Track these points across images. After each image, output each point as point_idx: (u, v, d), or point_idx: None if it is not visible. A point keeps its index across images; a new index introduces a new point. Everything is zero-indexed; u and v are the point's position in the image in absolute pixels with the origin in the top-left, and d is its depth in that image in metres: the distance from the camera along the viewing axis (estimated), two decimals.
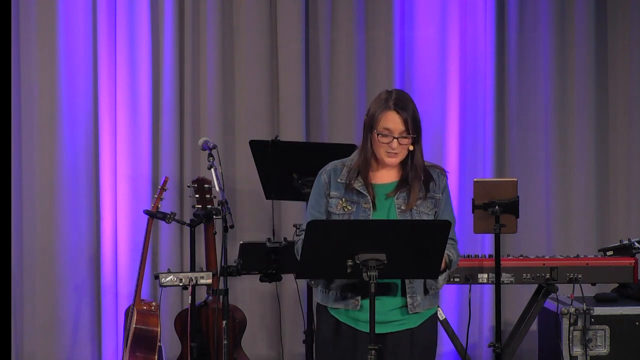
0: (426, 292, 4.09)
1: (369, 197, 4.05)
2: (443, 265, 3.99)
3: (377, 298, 3.92)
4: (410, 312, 4.05)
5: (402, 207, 4.05)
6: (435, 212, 4.10)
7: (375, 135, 4.02)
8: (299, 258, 4.03)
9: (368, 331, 3.93)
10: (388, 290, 4.03)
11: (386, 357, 4.06)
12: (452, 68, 6.81)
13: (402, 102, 4.01)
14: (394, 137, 3.99)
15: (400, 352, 4.07)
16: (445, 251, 3.98)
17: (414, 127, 4.00)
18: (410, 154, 4.05)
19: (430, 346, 4.16)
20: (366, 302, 3.98)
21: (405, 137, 4.00)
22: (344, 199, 4.07)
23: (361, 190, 4.06)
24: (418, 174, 4.07)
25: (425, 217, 4.06)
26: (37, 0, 6.53)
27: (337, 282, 4.07)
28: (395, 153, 4.02)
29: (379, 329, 3.98)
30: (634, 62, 6.92)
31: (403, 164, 4.08)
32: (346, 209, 4.06)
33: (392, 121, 4.00)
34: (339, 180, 4.09)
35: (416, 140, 4.03)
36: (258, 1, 6.68)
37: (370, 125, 4.04)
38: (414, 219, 4.04)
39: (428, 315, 4.13)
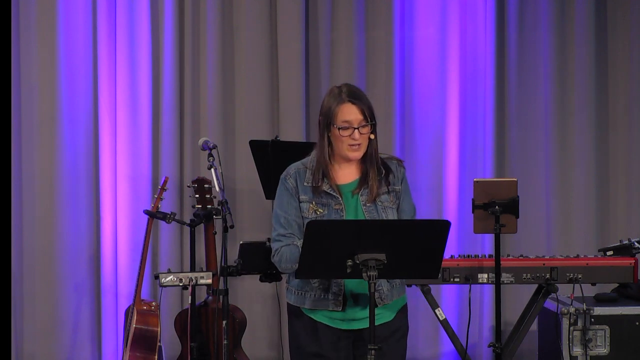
0: (391, 281, 4.11)
1: (339, 198, 4.07)
2: None
3: (350, 295, 4.01)
4: (378, 305, 4.05)
5: (368, 204, 4.08)
6: (398, 203, 4.12)
7: (336, 130, 4.03)
8: (280, 269, 4.07)
9: (347, 328, 4.02)
10: (359, 286, 4.04)
11: (362, 353, 4.08)
12: (452, 68, 6.81)
13: (355, 93, 4.06)
14: (355, 128, 4.02)
15: (380, 341, 4.07)
16: None
17: (370, 115, 4.04)
18: (369, 145, 4.07)
19: (404, 337, 4.20)
20: (348, 302, 4.03)
21: (365, 126, 4.03)
22: (314, 202, 4.08)
23: (330, 192, 4.07)
24: (375, 167, 4.08)
25: (389, 211, 4.09)
26: (37, 0, 6.53)
27: (314, 283, 4.07)
28: (359, 144, 4.04)
29: (357, 325, 4.05)
30: (634, 62, 6.92)
31: (362, 160, 4.10)
32: (318, 212, 4.07)
33: (350, 113, 4.03)
34: (305, 183, 4.10)
35: (373, 129, 4.07)
36: (258, 1, 6.69)
37: (327, 122, 4.06)
38: (380, 214, 4.06)
39: (400, 306, 4.17)
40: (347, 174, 4.12)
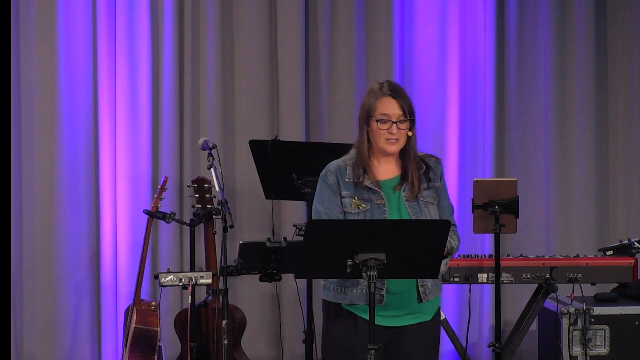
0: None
1: (381, 193, 4.08)
2: (445, 251, 4.02)
3: (393, 292, 4.02)
4: (423, 301, 4.08)
5: (410, 200, 4.09)
6: (438, 200, 4.15)
7: (374, 123, 4.04)
8: None
9: (385, 325, 4.03)
10: (403, 282, 4.05)
11: (401, 351, 4.10)
12: (452, 68, 6.81)
13: (396, 89, 4.07)
14: (393, 122, 4.03)
15: (413, 346, 4.11)
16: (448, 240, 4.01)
17: (410, 111, 4.06)
18: (408, 142, 4.09)
19: (438, 341, 4.26)
20: (389, 298, 4.03)
21: (403, 122, 4.04)
22: (356, 198, 4.08)
23: (372, 187, 4.08)
24: (416, 164, 4.11)
25: (431, 207, 4.10)
26: (37, 0, 6.53)
27: (356, 280, 4.07)
28: (396, 139, 4.05)
29: (396, 322, 4.06)
30: (634, 62, 6.92)
31: (401, 156, 4.12)
32: (361, 207, 4.07)
33: (390, 107, 4.04)
34: (346, 179, 4.10)
35: (413, 126, 4.08)
36: (258, 1, 6.69)
37: (366, 116, 4.08)
38: (422, 210, 4.08)
39: (436, 308, 4.18)
40: (387, 170, 4.12)
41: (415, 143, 4.12)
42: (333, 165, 4.15)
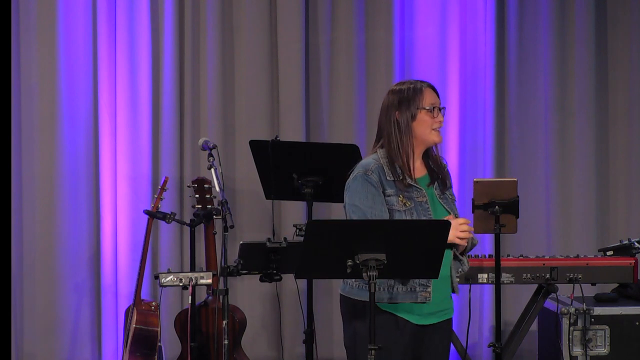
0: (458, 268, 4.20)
1: (423, 190, 4.13)
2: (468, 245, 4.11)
3: (434, 287, 4.05)
4: (454, 291, 4.16)
5: (441, 197, 4.17)
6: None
7: (423, 114, 4.13)
8: None
9: (421, 324, 4.07)
10: (442, 278, 4.05)
11: (431, 347, 4.12)
12: (452, 68, 6.81)
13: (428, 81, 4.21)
14: (440, 109, 4.16)
15: (441, 342, 4.15)
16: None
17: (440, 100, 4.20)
18: None
19: (451, 334, 4.29)
20: (434, 296, 4.06)
21: (443, 109, 4.19)
22: (401, 196, 4.09)
23: (414, 185, 4.12)
24: (439, 161, 4.22)
25: (453, 204, 4.20)
26: (37, 0, 6.53)
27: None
28: (441, 127, 4.17)
29: (430, 320, 4.10)
30: (634, 62, 6.92)
31: (424, 155, 4.20)
32: (407, 204, 4.09)
33: (433, 96, 4.19)
34: (387, 178, 4.10)
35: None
36: (258, 1, 6.68)
37: (409, 112, 4.13)
38: (451, 206, 4.17)
39: (453, 303, 4.23)
40: (419, 168, 4.18)
41: None
42: (370, 164, 4.12)
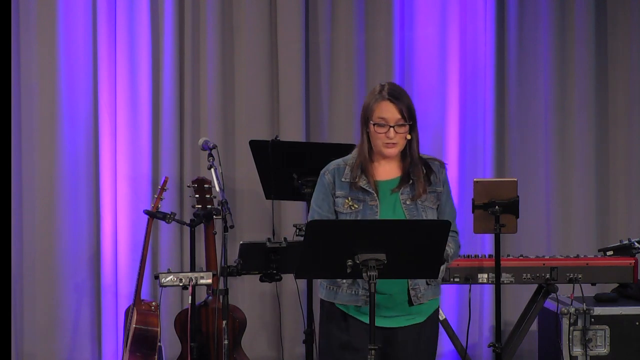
0: (428, 282, 4.12)
1: (374, 194, 4.07)
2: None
3: (383, 292, 4.00)
4: (414, 304, 4.07)
5: (408, 202, 4.07)
6: (438, 205, 4.13)
7: (372, 126, 4.04)
8: None
9: (378, 325, 3.99)
10: (393, 284, 4.04)
11: (396, 351, 4.09)
12: (452, 68, 6.81)
13: (395, 92, 4.06)
14: (390, 126, 4.02)
15: (408, 347, 4.09)
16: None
17: (409, 115, 4.04)
18: (408, 145, 4.08)
19: (434, 341, 4.20)
20: (379, 298, 4.01)
21: (401, 126, 4.03)
22: (349, 198, 4.08)
23: (366, 188, 4.07)
24: (418, 166, 4.10)
25: (430, 211, 4.08)
26: (37, 0, 6.53)
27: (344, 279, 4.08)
28: (394, 143, 4.04)
29: (389, 323, 4.05)
30: (634, 62, 6.92)
31: (403, 158, 4.11)
32: (353, 207, 4.07)
33: (387, 110, 4.03)
34: (342, 179, 4.10)
35: (412, 129, 4.07)
36: (258, 1, 6.69)
37: (365, 118, 4.08)
38: (420, 213, 4.06)
39: (432, 309, 4.16)
40: (387, 170, 4.12)
41: (416, 145, 4.10)
42: (333, 164, 4.16)
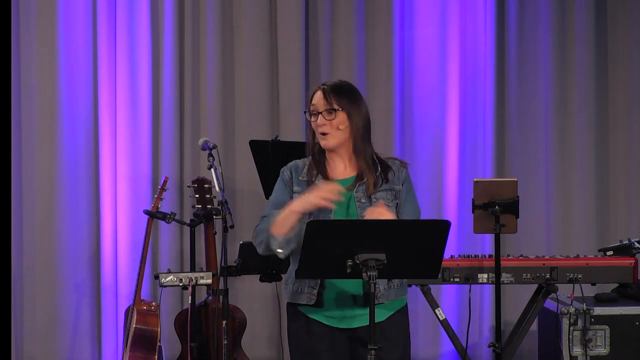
0: (390, 282, 4.09)
1: None
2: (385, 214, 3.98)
3: (339, 292, 4.01)
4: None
5: (363, 200, 4.06)
6: (397, 203, 4.11)
7: (306, 116, 4.06)
8: (254, 241, 4.09)
9: (340, 327, 4.02)
10: (348, 284, 4.03)
11: (359, 352, 4.07)
12: (452, 68, 6.81)
13: (332, 82, 4.07)
14: (319, 113, 4.03)
15: (358, 347, 4.06)
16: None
17: (338, 100, 4.02)
18: (353, 141, 4.05)
19: (401, 342, 4.14)
20: (327, 296, 4.03)
21: (330, 112, 4.01)
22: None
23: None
24: (367, 163, 4.06)
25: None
26: (37, 0, 6.53)
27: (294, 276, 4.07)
28: (325, 133, 4.03)
29: (346, 324, 4.03)
30: (634, 62, 6.92)
31: (356, 156, 4.09)
32: None
33: (316, 97, 4.06)
34: (300, 177, 4.12)
35: (350, 117, 4.03)
36: (258, 1, 6.69)
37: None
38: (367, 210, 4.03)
39: (396, 308, 4.13)
40: (342, 169, 4.12)
41: (360, 140, 4.06)
42: (292, 162, 4.18)
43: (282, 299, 6.60)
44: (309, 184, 4.09)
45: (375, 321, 3.94)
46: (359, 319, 4.05)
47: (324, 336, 4.09)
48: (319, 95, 4.05)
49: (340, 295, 4.05)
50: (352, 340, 4.10)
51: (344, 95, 4.05)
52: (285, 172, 4.16)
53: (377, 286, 4.05)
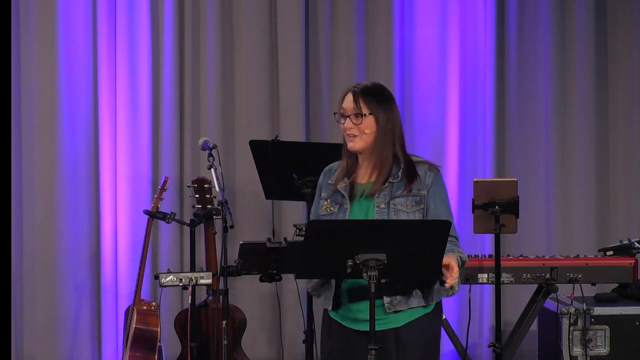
0: (407, 292, 4.03)
1: (346, 197, 4.04)
2: (456, 268, 3.91)
3: (356, 296, 3.99)
4: (388, 311, 4.01)
5: (382, 206, 4.02)
6: (422, 208, 4.05)
7: (336, 118, 4.04)
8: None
9: (359, 329, 4.00)
10: (365, 289, 3.99)
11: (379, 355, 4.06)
12: (452, 68, 6.81)
13: (364, 85, 4.03)
14: (347, 116, 4.00)
15: (386, 352, 4.04)
16: (456, 253, 3.98)
17: (367, 103, 3.99)
18: (380, 145, 4.01)
19: (421, 349, 4.12)
20: (345, 298, 4.02)
21: (358, 116, 3.99)
22: (329, 200, 4.07)
23: (341, 191, 4.05)
24: (380, 161, 4.01)
25: (402, 215, 4.01)
26: (37, 0, 6.53)
27: (329, 282, 4.06)
28: (354, 135, 4.01)
29: (363, 327, 4.00)
30: (634, 62, 6.92)
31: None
32: (329, 210, 4.06)
33: (347, 100, 4.02)
34: (329, 181, 4.11)
35: (378, 120, 3.99)
36: (258, 1, 6.69)
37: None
38: (390, 216, 4.00)
39: (418, 315, 4.09)
40: (365, 173, 4.08)
41: (386, 144, 4.01)
42: (330, 165, 4.17)
43: (282, 299, 6.61)
44: (334, 187, 4.07)
45: (393, 326, 4.00)
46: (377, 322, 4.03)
47: (341, 337, 4.06)
48: (349, 98, 4.02)
49: (358, 298, 4.03)
50: (357, 341, 4.08)
51: (373, 99, 4.00)
52: (320, 176, 4.14)
53: (394, 296, 4.02)
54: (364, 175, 4.08)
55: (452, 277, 3.89)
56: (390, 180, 4.03)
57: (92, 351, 6.62)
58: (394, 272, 3.89)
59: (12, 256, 6.43)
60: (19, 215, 6.54)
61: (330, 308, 4.06)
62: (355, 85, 4.05)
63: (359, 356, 4.04)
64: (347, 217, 4.02)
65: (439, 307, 4.17)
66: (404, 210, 4.02)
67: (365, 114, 3.99)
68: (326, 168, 4.16)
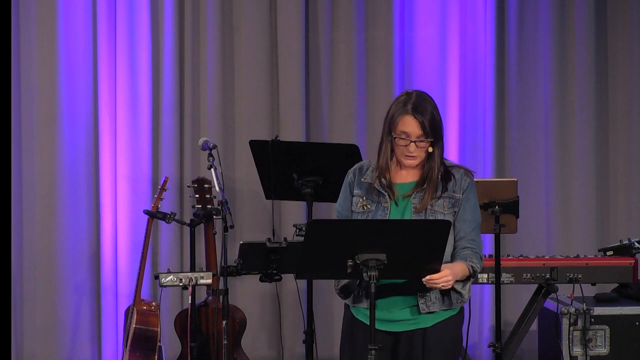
0: (444, 292, 4.07)
1: (387, 197, 4.06)
2: (438, 279, 3.95)
3: (387, 297, 3.99)
4: (422, 312, 4.05)
5: (418, 207, 4.06)
6: (455, 211, 4.08)
7: (397, 140, 4.03)
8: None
9: (385, 330, 4.02)
10: (399, 289, 4.03)
11: (400, 357, 4.08)
12: (452, 68, 6.81)
13: (420, 106, 4.02)
14: (412, 141, 4.01)
15: (413, 352, 4.07)
16: (467, 262, 4.00)
17: (431, 130, 4.01)
18: (428, 155, 4.06)
19: (447, 349, 4.14)
20: (382, 301, 4.02)
21: (422, 141, 4.02)
22: (364, 198, 4.09)
23: (381, 190, 4.07)
24: (434, 175, 4.06)
25: (439, 216, 4.05)
26: (37, 0, 6.53)
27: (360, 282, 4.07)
28: (414, 156, 4.04)
29: (391, 327, 4.03)
30: (634, 62, 6.92)
31: (423, 166, 4.10)
32: (366, 207, 4.08)
33: (409, 125, 4.01)
34: (362, 179, 4.12)
35: (435, 143, 4.04)
36: (258, 1, 6.69)
37: (389, 128, 4.06)
38: (428, 218, 4.03)
39: (445, 317, 4.12)
40: (406, 174, 4.10)
41: (438, 158, 4.06)
42: (359, 163, 4.19)
43: (282, 299, 6.61)
44: (370, 186, 4.08)
45: (421, 327, 4.04)
46: (402, 324, 4.06)
47: (365, 337, 4.05)
48: (412, 123, 4.00)
49: (386, 299, 4.04)
50: (395, 346, 4.09)
51: (435, 121, 4.03)
52: (349, 174, 4.16)
53: (428, 295, 4.04)
54: (404, 176, 4.10)
55: (432, 282, 3.93)
56: (427, 182, 4.07)
57: (92, 351, 6.62)
58: (394, 272, 3.89)
59: (12, 256, 6.43)
60: (19, 215, 6.54)
61: (363, 305, 4.06)
62: (412, 106, 4.03)
63: (383, 355, 4.04)
64: (387, 216, 4.04)
65: (462, 309, 4.23)
66: (441, 211, 4.06)
67: (429, 140, 4.01)
68: (356, 166, 4.17)
